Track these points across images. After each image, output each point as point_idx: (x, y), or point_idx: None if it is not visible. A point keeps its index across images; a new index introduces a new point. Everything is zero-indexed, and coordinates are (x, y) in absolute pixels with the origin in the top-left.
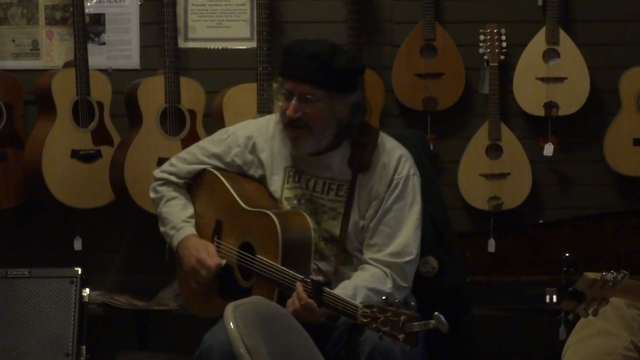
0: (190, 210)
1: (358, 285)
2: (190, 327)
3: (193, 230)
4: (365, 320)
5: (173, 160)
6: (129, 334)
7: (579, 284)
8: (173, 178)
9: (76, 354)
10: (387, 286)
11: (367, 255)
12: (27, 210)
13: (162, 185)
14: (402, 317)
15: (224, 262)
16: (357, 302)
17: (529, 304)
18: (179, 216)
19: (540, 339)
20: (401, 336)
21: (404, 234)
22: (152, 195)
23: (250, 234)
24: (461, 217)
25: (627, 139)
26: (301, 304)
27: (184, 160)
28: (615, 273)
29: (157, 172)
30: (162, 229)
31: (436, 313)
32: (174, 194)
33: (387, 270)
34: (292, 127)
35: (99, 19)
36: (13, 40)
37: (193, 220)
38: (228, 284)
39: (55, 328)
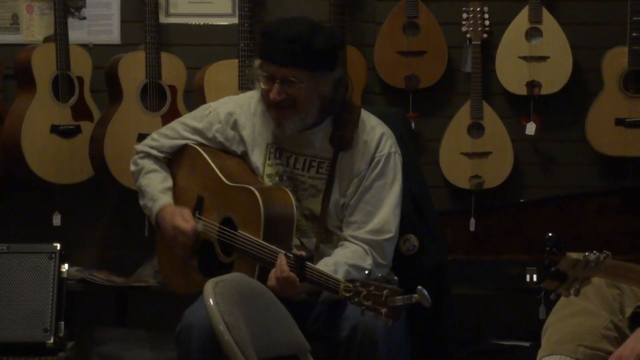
0: (169, 183)
1: (339, 262)
2: (169, 303)
3: (170, 201)
4: (347, 295)
5: (155, 135)
6: (107, 310)
7: (561, 264)
8: (154, 152)
9: (54, 329)
10: (367, 263)
11: (347, 232)
12: (6, 185)
13: (142, 158)
14: (385, 292)
15: (200, 225)
16: (339, 277)
17: (509, 283)
18: (157, 188)
19: (520, 318)
20: (384, 310)
21: (384, 212)
22: (132, 168)
23: (232, 210)
24: (442, 195)
25: (609, 118)
26: (283, 276)
27: (166, 135)
28: (597, 253)
29: (139, 146)
30: (141, 202)
31: (419, 287)
32: (154, 166)
33: (367, 248)
34: (276, 108)
35: None
36: None
37: (171, 192)
38: (209, 260)
39: (33, 304)
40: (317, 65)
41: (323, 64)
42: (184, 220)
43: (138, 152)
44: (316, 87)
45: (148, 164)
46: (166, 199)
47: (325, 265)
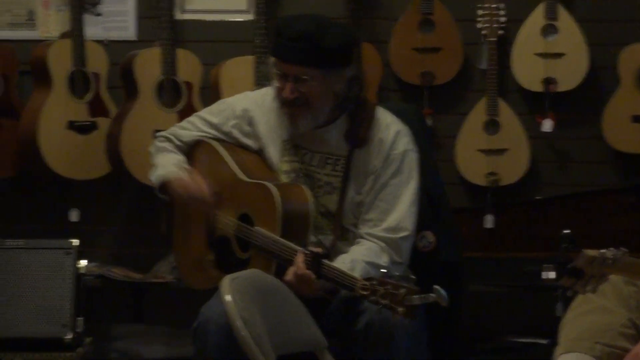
0: (186, 165)
1: (356, 259)
2: (186, 299)
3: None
4: (364, 293)
5: (173, 127)
6: (125, 306)
7: (578, 261)
8: (173, 139)
9: (72, 325)
10: (384, 260)
11: (363, 230)
12: (23, 181)
13: (162, 141)
14: (402, 290)
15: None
16: (356, 275)
17: (525, 281)
18: (173, 163)
19: (536, 315)
20: (400, 309)
21: (400, 210)
22: (150, 149)
23: (249, 206)
24: (458, 192)
25: (626, 115)
26: (299, 273)
27: (184, 127)
28: (614, 250)
29: (159, 133)
30: (151, 176)
31: (436, 286)
32: (174, 149)
33: (383, 245)
34: (289, 105)
35: None
36: (9, 10)
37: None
38: (225, 256)
39: (51, 300)
40: (327, 63)
41: (334, 62)
42: (199, 185)
43: (158, 137)
44: (328, 84)
45: (169, 146)
46: (182, 173)
47: (342, 262)
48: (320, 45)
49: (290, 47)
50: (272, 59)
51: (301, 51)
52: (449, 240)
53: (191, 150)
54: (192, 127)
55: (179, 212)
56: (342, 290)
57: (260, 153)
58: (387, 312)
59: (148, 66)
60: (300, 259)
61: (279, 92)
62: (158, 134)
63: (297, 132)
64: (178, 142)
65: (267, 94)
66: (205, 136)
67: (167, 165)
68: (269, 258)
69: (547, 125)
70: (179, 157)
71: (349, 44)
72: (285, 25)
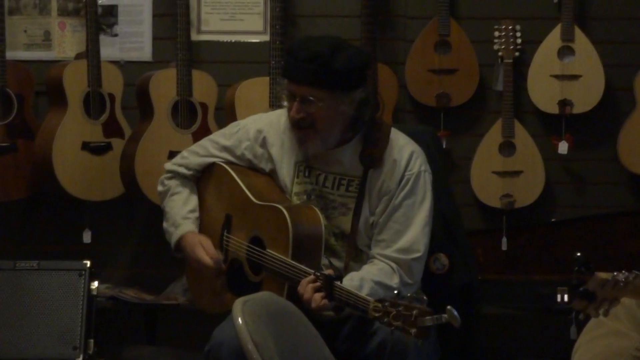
0: (191, 204)
1: (364, 278)
2: (199, 321)
3: (191, 227)
4: (376, 315)
5: (184, 152)
6: (137, 327)
7: (590, 283)
8: (182, 169)
9: (84, 347)
10: (394, 281)
11: (375, 250)
12: (37, 202)
13: (169, 178)
14: (414, 312)
15: (222, 256)
16: (363, 294)
17: (540, 303)
18: (179, 212)
19: (550, 338)
20: (413, 330)
21: (413, 231)
22: (159, 188)
23: (260, 228)
24: (473, 214)
25: None
26: (313, 306)
27: (195, 152)
28: (627, 273)
29: (168, 165)
30: (164, 224)
31: (449, 307)
32: (179, 188)
33: (394, 266)
34: (298, 128)
35: (111, 11)
36: (25, 31)
37: (193, 215)
38: (238, 279)
39: (63, 321)
40: (336, 85)
41: (343, 84)
42: (204, 252)
43: (167, 172)
44: (336, 106)
45: (174, 185)
46: (186, 227)
47: (350, 279)
48: (330, 67)
49: (299, 67)
50: (283, 80)
51: (310, 72)
52: (463, 263)
53: (203, 173)
54: (203, 152)
55: None
56: (346, 308)
57: (272, 175)
58: (399, 334)
59: (163, 87)
60: (310, 293)
61: (289, 112)
62: (166, 166)
63: (307, 155)
64: (187, 172)
65: (281, 115)
66: (217, 160)
67: (176, 218)
68: (281, 281)
69: (563, 147)
70: (185, 197)
71: (360, 66)
72: (299, 46)
